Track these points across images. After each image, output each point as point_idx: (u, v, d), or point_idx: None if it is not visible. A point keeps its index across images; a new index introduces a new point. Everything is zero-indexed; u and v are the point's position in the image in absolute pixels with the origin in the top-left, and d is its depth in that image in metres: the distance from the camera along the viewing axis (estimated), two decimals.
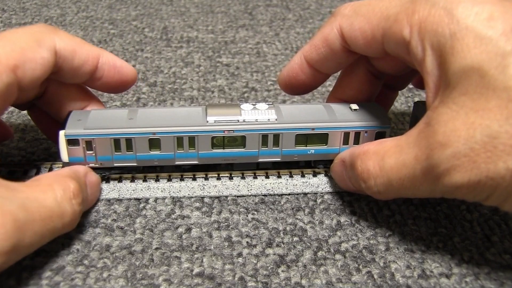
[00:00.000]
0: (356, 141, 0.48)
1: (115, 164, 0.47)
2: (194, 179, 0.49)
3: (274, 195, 0.49)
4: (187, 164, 0.49)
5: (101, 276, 0.39)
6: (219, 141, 0.47)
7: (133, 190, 0.48)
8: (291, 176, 0.50)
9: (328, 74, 0.49)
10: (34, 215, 0.34)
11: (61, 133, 0.45)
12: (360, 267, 0.41)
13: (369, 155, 0.40)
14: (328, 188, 0.49)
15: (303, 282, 0.39)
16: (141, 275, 0.39)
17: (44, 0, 1.01)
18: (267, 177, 0.50)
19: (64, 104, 0.48)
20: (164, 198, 0.48)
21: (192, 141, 0.47)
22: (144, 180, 0.49)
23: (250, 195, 0.49)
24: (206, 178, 0.49)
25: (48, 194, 0.37)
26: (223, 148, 0.47)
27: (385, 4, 0.40)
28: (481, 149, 0.32)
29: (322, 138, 0.48)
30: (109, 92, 0.51)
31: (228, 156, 0.48)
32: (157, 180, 0.49)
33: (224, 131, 0.46)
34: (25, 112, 0.62)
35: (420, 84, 0.52)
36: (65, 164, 0.47)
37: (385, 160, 0.38)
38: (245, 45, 0.85)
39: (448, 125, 0.33)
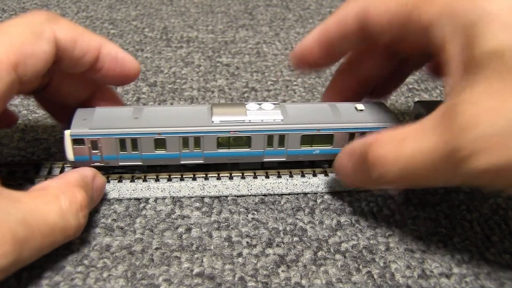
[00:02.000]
0: None
1: (120, 163, 0.47)
2: (194, 179, 0.49)
3: (274, 195, 0.49)
4: (192, 163, 0.49)
5: (101, 276, 0.39)
6: (224, 141, 0.47)
7: (133, 190, 0.48)
8: (291, 176, 0.50)
9: (341, 54, 0.49)
10: (34, 230, 0.34)
11: (67, 132, 0.45)
12: (360, 267, 0.41)
13: (384, 142, 0.38)
14: (328, 188, 0.49)
15: (303, 282, 0.39)
16: (141, 275, 0.39)
17: (44, 0, 1.01)
18: (267, 177, 0.50)
19: (70, 93, 0.48)
20: (164, 198, 0.48)
21: (197, 141, 0.47)
22: (144, 180, 0.49)
23: (250, 195, 0.49)
24: (206, 178, 0.49)
25: (52, 206, 0.36)
26: (229, 148, 0.48)
27: None
28: (511, 131, 0.31)
29: (327, 138, 0.48)
30: (110, 84, 0.50)
31: (233, 156, 0.48)
32: (157, 180, 0.49)
33: (230, 131, 0.46)
34: (25, 112, 0.62)
35: (436, 70, 0.52)
36: (70, 163, 0.47)
37: (402, 145, 0.36)
38: (245, 45, 0.85)
39: (474, 107, 0.32)
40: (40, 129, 0.58)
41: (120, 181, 0.49)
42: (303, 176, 0.50)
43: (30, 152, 0.54)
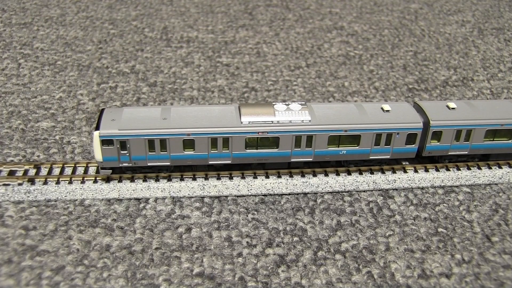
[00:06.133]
0: (388, 142, 0.49)
1: (149, 164, 0.48)
2: (194, 179, 0.49)
3: (274, 195, 0.49)
4: (220, 163, 0.49)
5: (101, 276, 0.39)
6: (252, 142, 0.48)
7: (133, 190, 0.48)
8: (291, 176, 0.50)
9: None
10: None
11: (96, 133, 0.45)
12: (360, 267, 0.41)
13: None
14: (328, 188, 0.49)
15: (303, 282, 0.39)
16: (141, 275, 0.39)
17: (44, 0, 1.01)
18: (267, 177, 0.50)
19: None
20: (164, 198, 0.48)
21: (226, 141, 0.47)
22: (144, 180, 0.49)
23: (250, 195, 0.49)
24: (206, 178, 0.49)
25: None
26: (256, 148, 0.48)
27: None
28: None
29: (354, 139, 0.49)
30: None
31: (261, 156, 0.49)
32: (157, 180, 0.49)
33: (258, 132, 0.47)
34: (25, 112, 0.62)
35: None
36: (99, 164, 0.48)
37: None
38: (245, 45, 0.85)
39: None
40: (40, 129, 0.58)
41: (120, 181, 0.49)
42: (303, 176, 0.50)
43: (30, 152, 0.54)
